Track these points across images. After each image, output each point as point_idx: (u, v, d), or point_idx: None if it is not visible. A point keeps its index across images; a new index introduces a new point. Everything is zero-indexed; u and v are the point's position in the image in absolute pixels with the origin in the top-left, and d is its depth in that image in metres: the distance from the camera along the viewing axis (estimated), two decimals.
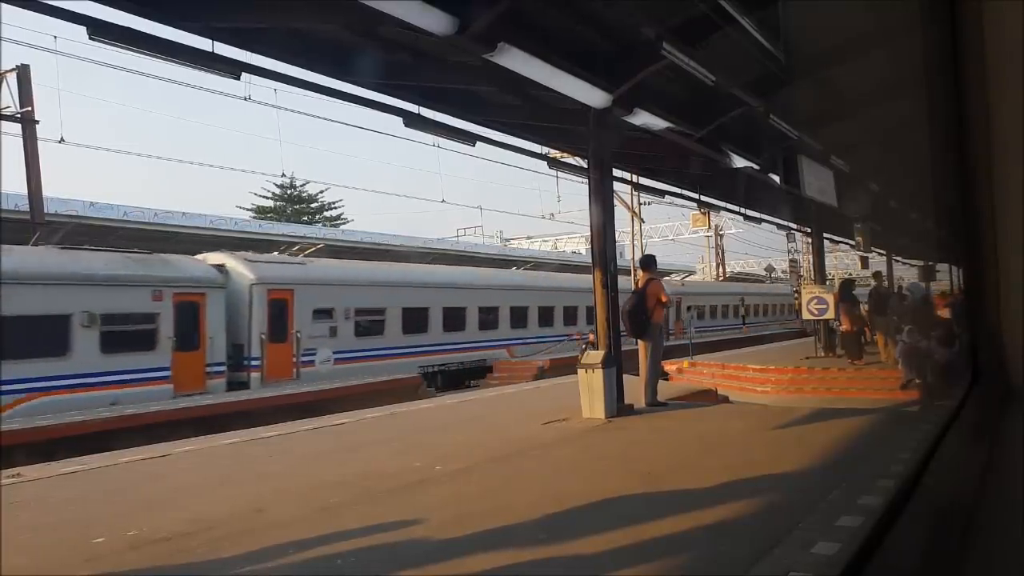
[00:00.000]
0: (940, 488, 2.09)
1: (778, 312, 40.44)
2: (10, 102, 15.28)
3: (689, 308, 30.92)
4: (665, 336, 10.32)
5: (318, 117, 56.80)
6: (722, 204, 19.22)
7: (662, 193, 16.58)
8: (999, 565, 1.35)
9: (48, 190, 15.95)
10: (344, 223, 44.97)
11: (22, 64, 15.40)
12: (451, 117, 9.55)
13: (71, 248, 13.86)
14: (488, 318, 22.05)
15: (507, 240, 45.74)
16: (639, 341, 9.41)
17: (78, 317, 12.43)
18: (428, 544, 4.04)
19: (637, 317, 9.23)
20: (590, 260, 9.64)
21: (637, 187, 17.53)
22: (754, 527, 4.15)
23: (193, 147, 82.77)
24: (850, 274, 32.27)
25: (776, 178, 13.45)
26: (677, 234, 43.43)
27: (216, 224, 21.81)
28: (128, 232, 18.75)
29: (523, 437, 7.54)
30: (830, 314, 15.26)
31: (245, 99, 14.73)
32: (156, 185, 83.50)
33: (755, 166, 12.59)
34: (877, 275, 18.89)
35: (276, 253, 21.77)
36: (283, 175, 40.83)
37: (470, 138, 9.91)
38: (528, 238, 46.78)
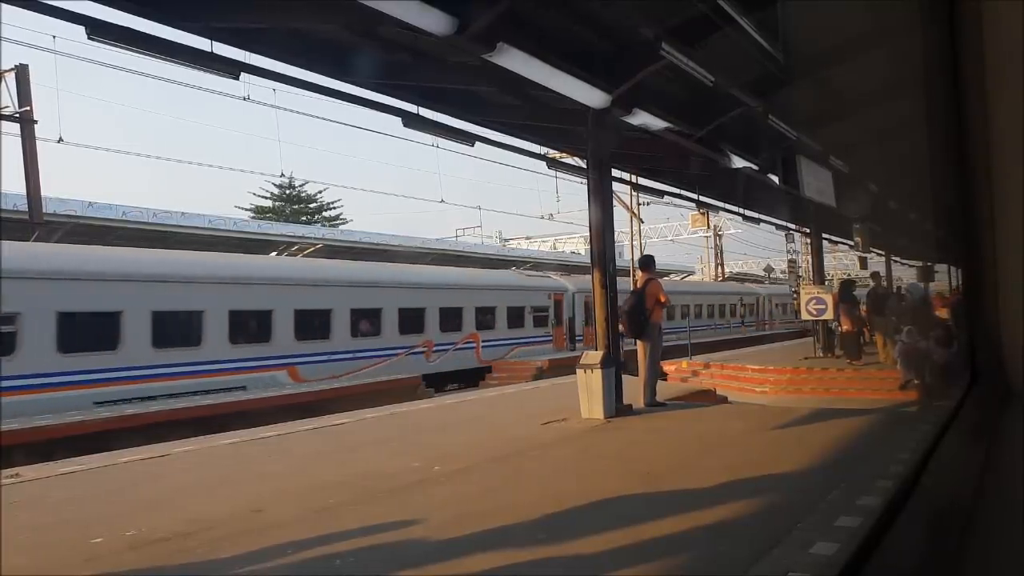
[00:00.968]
0: (939, 488, 2.09)
1: (730, 315, 35.13)
2: (9, 102, 15.28)
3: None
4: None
5: (317, 117, 56.68)
6: (721, 204, 19.23)
7: (661, 193, 16.58)
8: (998, 565, 1.35)
9: (47, 190, 15.95)
10: (343, 223, 45.00)
11: (20, 64, 15.39)
12: (450, 117, 9.56)
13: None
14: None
15: (506, 240, 45.74)
16: (638, 341, 9.42)
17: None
18: (427, 544, 4.04)
19: (636, 317, 9.24)
20: (589, 260, 9.65)
21: (636, 187, 17.53)
22: (753, 527, 4.16)
23: (192, 147, 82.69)
24: (849, 274, 32.32)
25: (775, 178, 13.47)
26: (676, 234, 43.48)
27: (215, 224, 21.78)
28: (127, 232, 18.72)
29: (522, 437, 7.54)
30: (829, 314, 15.29)
31: (244, 99, 14.74)
32: (155, 185, 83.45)
33: (754, 166, 12.60)
34: (876, 275, 18.92)
35: (274, 254, 21.77)
36: (282, 175, 40.82)
37: (469, 138, 9.91)
38: (527, 238, 46.80)
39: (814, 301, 15.35)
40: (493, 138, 10.45)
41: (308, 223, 41.11)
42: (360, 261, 22.08)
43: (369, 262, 22.00)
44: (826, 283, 18.74)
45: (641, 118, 9.13)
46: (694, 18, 7.90)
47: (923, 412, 10.02)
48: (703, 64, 8.09)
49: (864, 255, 24.66)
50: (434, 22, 6.17)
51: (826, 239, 22.84)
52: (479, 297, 21.40)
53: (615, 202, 13.65)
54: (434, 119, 9.26)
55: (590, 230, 9.53)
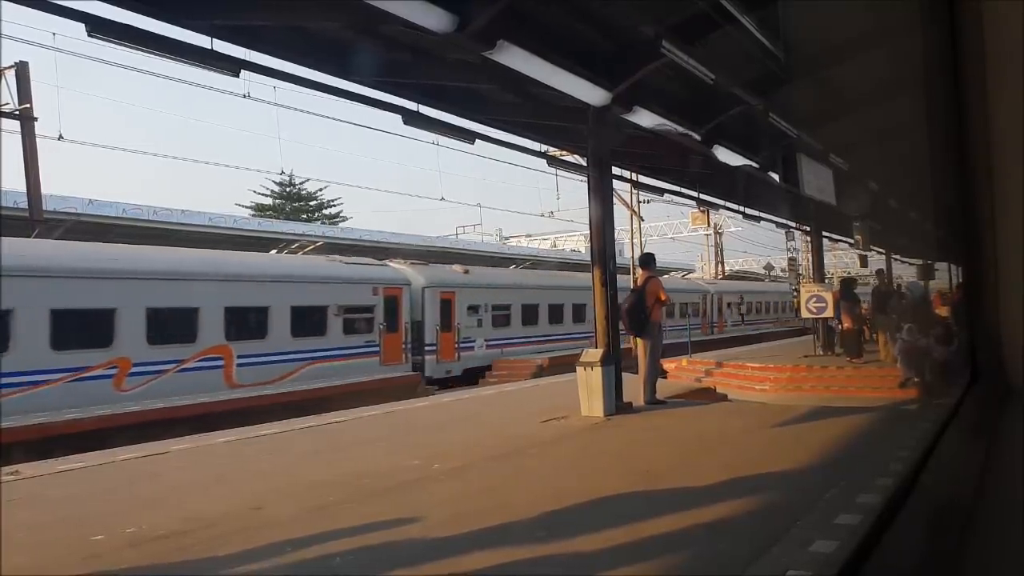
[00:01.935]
0: (939, 487, 2.09)
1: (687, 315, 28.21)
2: (9, 99, 15.27)
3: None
4: None
5: (317, 115, 56.71)
6: (721, 202, 19.22)
7: (661, 191, 16.57)
8: (998, 563, 1.35)
9: (48, 187, 15.95)
10: (343, 221, 44.97)
11: (21, 61, 15.39)
12: (451, 115, 9.55)
13: None
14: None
15: (506, 238, 45.73)
16: (638, 339, 9.44)
17: None
18: (426, 542, 4.04)
19: (636, 315, 9.27)
20: (589, 258, 9.65)
21: (636, 185, 17.51)
22: (752, 525, 4.16)
23: (192, 144, 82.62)
24: (849, 272, 32.31)
25: (775, 176, 13.47)
26: (676, 232, 43.48)
27: (215, 222, 21.78)
28: (127, 229, 18.72)
29: (522, 435, 7.54)
30: (829, 312, 15.30)
31: (244, 96, 14.74)
32: (156, 183, 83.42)
33: (754, 164, 12.60)
34: (880, 273, 18.92)
35: (274, 252, 21.76)
36: (282, 173, 40.80)
37: (469, 136, 9.90)
38: (528, 236, 46.77)
39: (814, 299, 15.36)
40: (494, 136, 10.44)
41: (308, 221, 41.09)
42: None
43: None
44: (826, 281, 18.74)
45: (641, 116, 9.13)
46: (695, 16, 7.90)
47: (923, 410, 10.02)
48: (704, 62, 8.08)
49: (864, 253, 24.64)
50: (435, 20, 6.17)
51: (826, 237, 22.81)
52: (232, 294, 14.48)
53: (615, 200, 13.64)
54: (435, 117, 9.25)
55: (590, 228, 9.54)
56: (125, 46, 6.03)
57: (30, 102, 15.38)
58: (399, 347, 18.02)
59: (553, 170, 16.37)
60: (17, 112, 15.29)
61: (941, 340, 10.24)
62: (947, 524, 1.65)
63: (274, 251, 22.04)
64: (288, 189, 44.86)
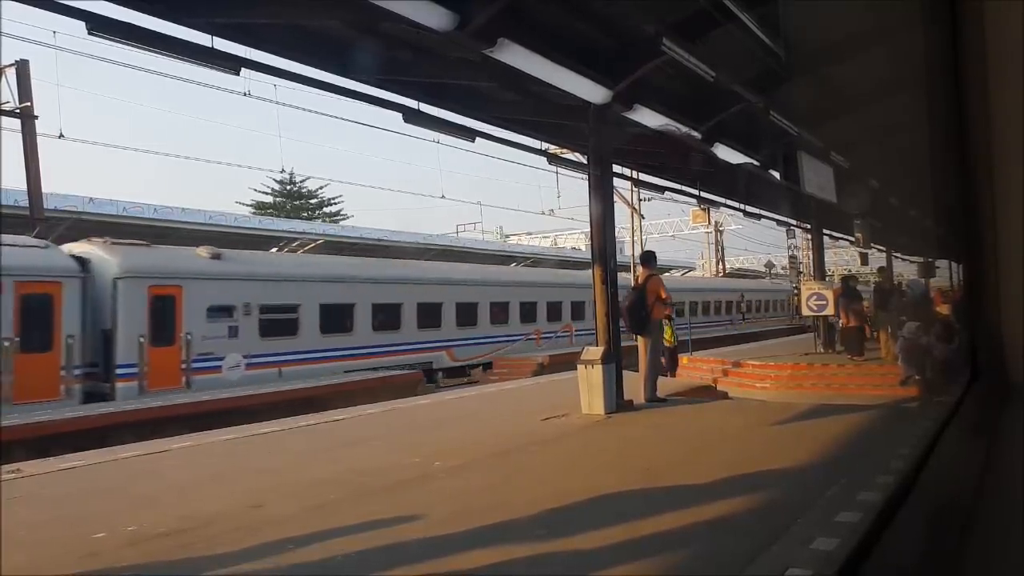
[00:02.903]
0: (939, 485, 2.09)
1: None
2: (9, 97, 15.28)
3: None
4: None
5: (317, 112, 56.66)
6: (722, 200, 19.20)
7: (662, 189, 16.55)
8: (998, 562, 1.36)
9: (48, 186, 15.96)
10: (344, 219, 44.97)
11: (21, 59, 15.39)
12: (451, 113, 9.53)
13: None
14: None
15: (506, 236, 45.73)
16: (638, 337, 9.43)
17: None
18: (426, 540, 4.04)
19: (637, 313, 9.26)
20: (590, 256, 9.65)
21: (637, 183, 17.51)
22: (753, 523, 4.16)
23: (192, 143, 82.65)
24: (850, 270, 32.31)
25: (776, 174, 13.46)
26: (677, 230, 43.46)
27: (215, 220, 21.81)
28: (127, 228, 18.74)
29: (522, 433, 7.55)
30: (829, 310, 15.31)
31: (244, 95, 14.74)
32: (156, 181, 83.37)
33: (755, 162, 12.59)
34: (882, 271, 18.90)
35: (275, 250, 21.77)
36: (282, 171, 40.77)
37: (470, 134, 9.88)
38: (528, 234, 46.78)
39: (815, 297, 15.37)
40: (494, 134, 10.43)
41: (309, 219, 41.08)
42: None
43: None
44: (826, 279, 18.75)
45: (642, 114, 9.12)
46: (695, 13, 7.90)
47: (924, 408, 10.02)
48: (704, 60, 8.07)
49: (865, 251, 24.66)
50: (435, 18, 6.17)
51: (827, 235, 22.80)
52: None
53: (616, 198, 13.63)
54: (435, 115, 9.24)
55: (591, 226, 9.53)
56: (125, 44, 6.02)
57: (30, 100, 15.39)
58: (56, 371, 12.16)
59: (554, 168, 16.37)
60: (17, 110, 15.29)
61: (942, 338, 10.24)
62: (947, 522, 1.65)
63: (274, 249, 22.05)
64: (289, 187, 44.86)
